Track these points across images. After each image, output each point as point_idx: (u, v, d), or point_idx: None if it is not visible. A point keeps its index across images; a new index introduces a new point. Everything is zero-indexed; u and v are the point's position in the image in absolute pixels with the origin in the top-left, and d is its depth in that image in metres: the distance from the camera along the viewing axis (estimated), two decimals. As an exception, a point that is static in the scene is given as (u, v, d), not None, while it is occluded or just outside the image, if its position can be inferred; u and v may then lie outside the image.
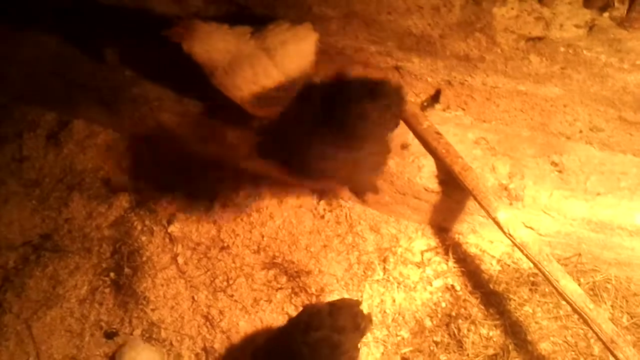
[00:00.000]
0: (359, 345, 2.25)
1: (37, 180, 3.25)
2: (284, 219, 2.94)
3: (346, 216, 2.91)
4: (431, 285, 2.66)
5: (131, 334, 2.63)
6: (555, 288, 2.17)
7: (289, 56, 2.60)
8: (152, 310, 2.69)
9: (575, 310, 2.14)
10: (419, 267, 2.71)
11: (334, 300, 2.35)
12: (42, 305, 2.76)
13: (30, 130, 3.42)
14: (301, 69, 2.67)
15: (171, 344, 2.59)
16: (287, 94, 2.55)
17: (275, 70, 2.60)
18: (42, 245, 2.98)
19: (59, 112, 3.46)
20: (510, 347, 2.44)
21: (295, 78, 2.63)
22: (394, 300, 2.64)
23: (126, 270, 2.79)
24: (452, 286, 2.64)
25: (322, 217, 2.91)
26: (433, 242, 2.79)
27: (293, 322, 2.27)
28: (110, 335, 2.63)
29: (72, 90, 3.29)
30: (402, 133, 2.72)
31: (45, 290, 2.81)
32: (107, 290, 2.79)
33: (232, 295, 2.70)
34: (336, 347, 2.12)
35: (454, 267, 2.69)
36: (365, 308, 2.60)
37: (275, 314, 2.63)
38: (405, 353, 2.48)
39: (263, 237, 2.86)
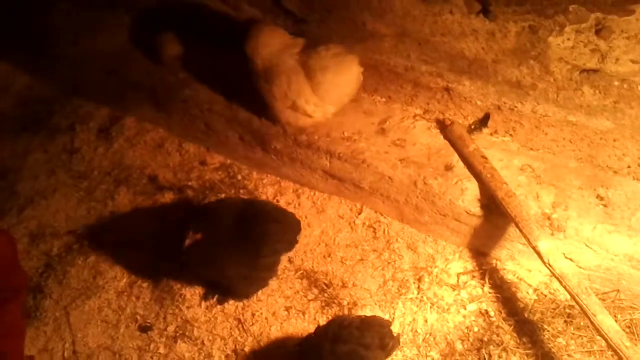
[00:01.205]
0: None
1: (85, 172, 3.35)
2: (322, 230, 2.97)
3: (384, 232, 2.92)
4: (465, 309, 2.65)
5: (165, 330, 2.66)
6: (592, 322, 2.14)
7: (326, 82, 2.75)
8: (187, 308, 2.74)
9: (610, 347, 2.11)
10: (453, 290, 2.70)
11: (365, 316, 2.36)
12: (82, 294, 2.83)
13: (83, 124, 3.54)
14: (337, 97, 2.84)
15: (203, 342, 2.63)
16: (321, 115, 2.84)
17: (309, 91, 2.72)
18: (83, 237, 3.06)
19: (111, 108, 3.57)
20: (539, 378, 2.41)
21: (328, 103, 2.82)
22: (426, 321, 2.63)
23: (164, 266, 2.84)
24: (486, 311, 2.62)
25: (361, 230, 2.91)
26: (470, 265, 2.77)
27: (322, 332, 2.29)
28: (144, 329, 2.68)
29: (126, 88, 3.40)
30: (447, 154, 2.73)
31: (86, 279, 2.88)
32: (145, 284, 2.84)
33: (264, 302, 2.72)
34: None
35: (489, 293, 2.67)
36: (396, 326, 2.60)
37: (307, 323, 2.65)
38: (434, 374, 2.47)
39: (299, 245, 2.87)
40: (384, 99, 3.01)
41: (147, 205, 3.17)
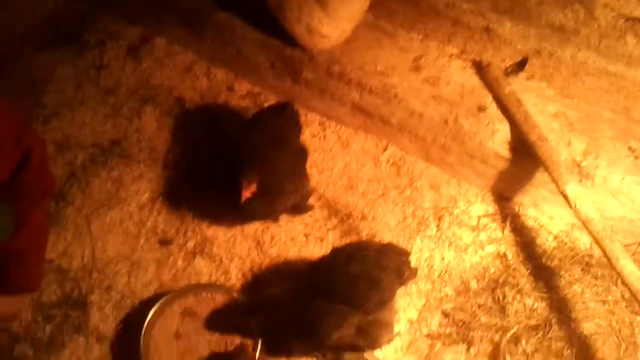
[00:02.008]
0: (397, 292, 2.26)
1: (113, 88, 3.33)
2: (346, 163, 2.97)
3: (408, 170, 2.92)
4: (483, 250, 2.66)
5: (184, 245, 2.69)
6: (614, 267, 2.14)
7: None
8: (208, 226, 2.75)
9: (631, 292, 2.11)
10: (473, 231, 2.71)
11: (385, 243, 2.37)
12: (104, 204, 2.85)
13: (113, 41, 3.50)
14: (348, 13, 2.83)
15: (221, 260, 2.66)
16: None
17: (319, 10, 2.76)
18: (111, 150, 3.07)
19: (143, 28, 3.53)
20: (552, 322, 2.43)
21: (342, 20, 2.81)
22: (442, 258, 2.65)
23: (187, 185, 2.85)
24: (504, 254, 2.64)
25: (384, 167, 2.91)
26: (492, 209, 2.78)
27: (338, 251, 2.30)
28: (164, 242, 2.71)
29: (159, 8, 3.36)
30: (480, 95, 2.70)
31: (109, 191, 2.90)
32: (167, 201, 2.86)
33: (284, 227, 2.74)
34: (375, 283, 2.14)
35: (509, 237, 2.68)
36: (413, 261, 2.60)
37: (324, 250, 2.66)
38: (446, 309, 2.50)
39: (322, 177, 2.89)
40: (420, 36, 2.97)
41: (173, 126, 3.16)
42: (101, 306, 2.53)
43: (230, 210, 2.69)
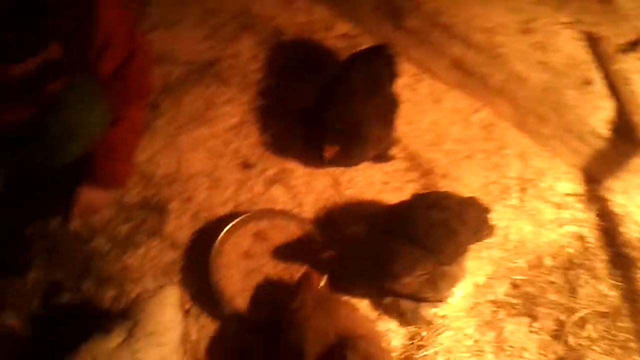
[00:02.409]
0: (469, 247, 2.23)
1: (215, 10, 3.36)
2: (435, 119, 2.93)
3: (499, 135, 2.86)
4: (562, 229, 2.60)
5: (265, 172, 2.72)
6: None
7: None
8: (289, 158, 2.79)
9: None
10: (556, 208, 2.64)
11: (467, 197, 2.31)
12: (193, 120, 2.91)
13: (222, -36, 3.51)
14: None
15: (298, 192, 2.69)
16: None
17: None
18: (206, 70, 3.12)
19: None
20: (623, 312, 2.36)
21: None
22: (521, 229, 2.59)
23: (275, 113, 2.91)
24: (584, 236, 2.57)
25: (474, 129, 2.85)
26: (579, 189, 2.69)
27: (419, 197, 2.28)
28: (246, 166, 2.76)
29: None
30: (588, 68, 2.59)
31: (199, 109, 2.95)
32: (254, 127, 2.89)
33: (363, 172, 2.76)
34: (452, 233, 2.12)
35: (592, 220, 2.60)
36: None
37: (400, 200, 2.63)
38: (516, 280, 2.46)
39: (408, 129, 2.87)
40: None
41: (267, 56, 3.17)
42: (178, 215, 2.61)
43: (312, 149, 2.70)
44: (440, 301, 2.34)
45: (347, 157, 2.63)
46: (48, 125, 1.95)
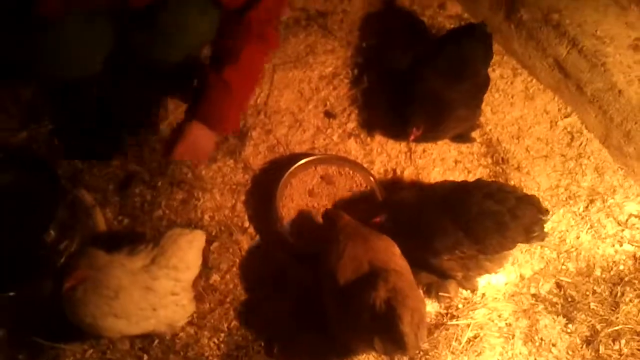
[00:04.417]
0: (517, 245, 2.26)
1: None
2: (522, 115, 2.96)
3: (581, 144, 2.85)
4: (620, 246, 2.59)
5: (345, 124, 2.84)
6: None
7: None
8: (370, 117, 2.91)
9: None
10: (619, 225, 2.64)
11: (528, 194, 2.30)
12: (291, 61, 3.06)
13: None
14: None
15: (371, 149, 2.81)
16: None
17: None
18: (315, 18, 3.26)
19: None
20: (661, 336, 2.35)
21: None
22: (578, 237, 2.61)
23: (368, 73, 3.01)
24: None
25: (558, 132, 2.87)
26: (647, 213, 2.67)
27: (482, 183, 2.32)
28: (329, 115, 2.89)
29: None
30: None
31: (299, 52, 3.10)
32: (345, 81, 3.01)
33: (438, 147, 2.85)
34: (501, 227, 2.14)
35: (652, 244, 2.57)
36: (548, 226, 2.58)
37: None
38: (561, 281, 2.48)
39: (494, 117, 2.94)
40: (652, 19, 2.81)
41: (376, 19, 3.28)
42: (257, 143, 2.78)
43: (395, 116, 2.81)
44: (466, 289, 2.41)
45: (430, 133, 2.70)
46: (166, 17, 2.12)
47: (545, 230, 2.24)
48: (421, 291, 2.40)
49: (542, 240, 2.28)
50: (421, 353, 2.26)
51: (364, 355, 2.23)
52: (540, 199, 2.46)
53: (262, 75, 2.91)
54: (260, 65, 2.52)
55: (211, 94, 2.35)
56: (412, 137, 2.57)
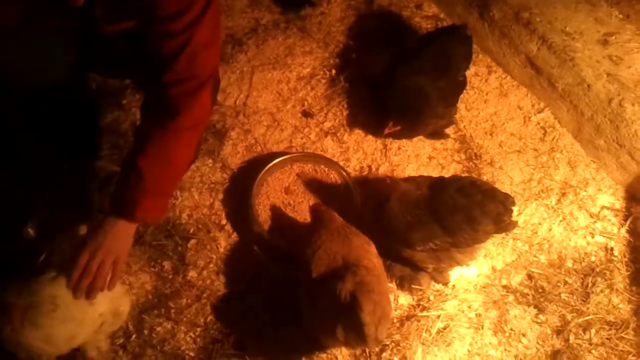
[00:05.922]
0: (490, 237, 2.31)
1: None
2: (496, 111, 3.01)
3: (553, 139, 2.91)
4: (592, 238, 2.64)
5: (322, 124, 2.90)
6: None
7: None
8: (347, 115, 2.96)
9: None
10: (591, 217, 2.68)
11: (497, 189, 2.33)
12: (270, 63, 3.13)
13: None
14: None
15: (348, 148, 2.85)
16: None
17: None
18: (294, 21, 3.33)
19: None
20: (630, 326, 2.39)
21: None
22: (550, 229, 2.65)
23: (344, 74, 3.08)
24: (611, 249, 2.60)
25: (532, 128, 2.93)
26: (618, 205, 2.72)
27: (455, 179, 2.38)
28: (307, 114, 2.95)
29: None
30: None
31: (278, 54, 3.17)
32: (323, 81, 3.08)
33: (413, 144, 2.90)
34: (471, 221, 2.20)
35: (623, 236, 2.62)
36: (521, 220, 2.64)
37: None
38: (533, 272, 2.53)
39: (468, 114, 3.00)
40: (621, 15, 2.87)
41: (354, 21, 3.35)
42: (235, 143, 2.84)
43: (372, 114, 2.89)
44: (438, 282, 2.47)
45: (405, 131, 2.76)
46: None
47: (514, 219, 2.29)
48: (394, 285, 2.45)
49: (513, 228, 2.32)
50: (392, 344, 2.30)
51: (336, 349, 2.28)
52: (513, 193, 2.55)
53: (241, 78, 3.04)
54: (184, 150, 2.02)
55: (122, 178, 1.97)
56: (386, 132, 2.63)
